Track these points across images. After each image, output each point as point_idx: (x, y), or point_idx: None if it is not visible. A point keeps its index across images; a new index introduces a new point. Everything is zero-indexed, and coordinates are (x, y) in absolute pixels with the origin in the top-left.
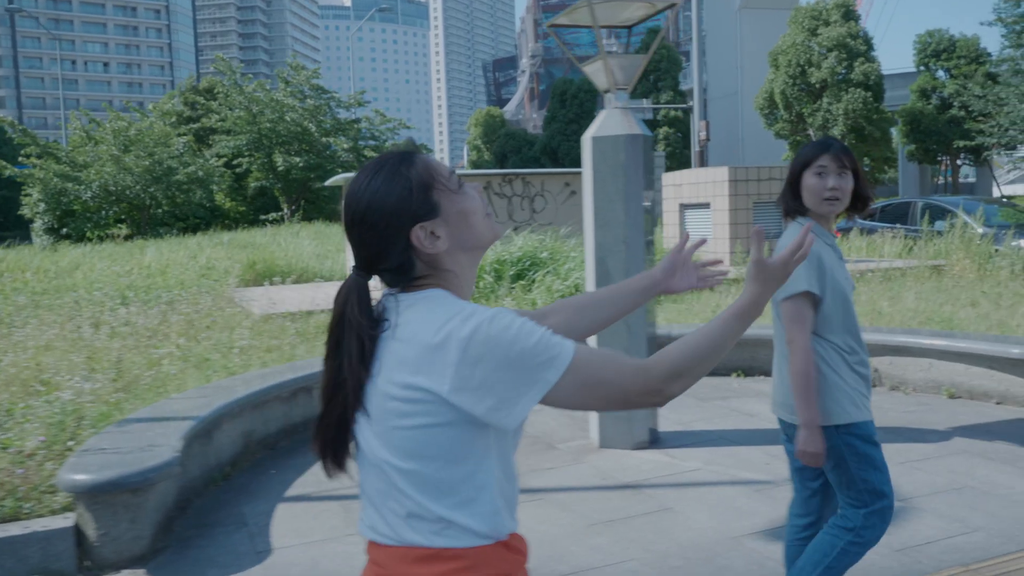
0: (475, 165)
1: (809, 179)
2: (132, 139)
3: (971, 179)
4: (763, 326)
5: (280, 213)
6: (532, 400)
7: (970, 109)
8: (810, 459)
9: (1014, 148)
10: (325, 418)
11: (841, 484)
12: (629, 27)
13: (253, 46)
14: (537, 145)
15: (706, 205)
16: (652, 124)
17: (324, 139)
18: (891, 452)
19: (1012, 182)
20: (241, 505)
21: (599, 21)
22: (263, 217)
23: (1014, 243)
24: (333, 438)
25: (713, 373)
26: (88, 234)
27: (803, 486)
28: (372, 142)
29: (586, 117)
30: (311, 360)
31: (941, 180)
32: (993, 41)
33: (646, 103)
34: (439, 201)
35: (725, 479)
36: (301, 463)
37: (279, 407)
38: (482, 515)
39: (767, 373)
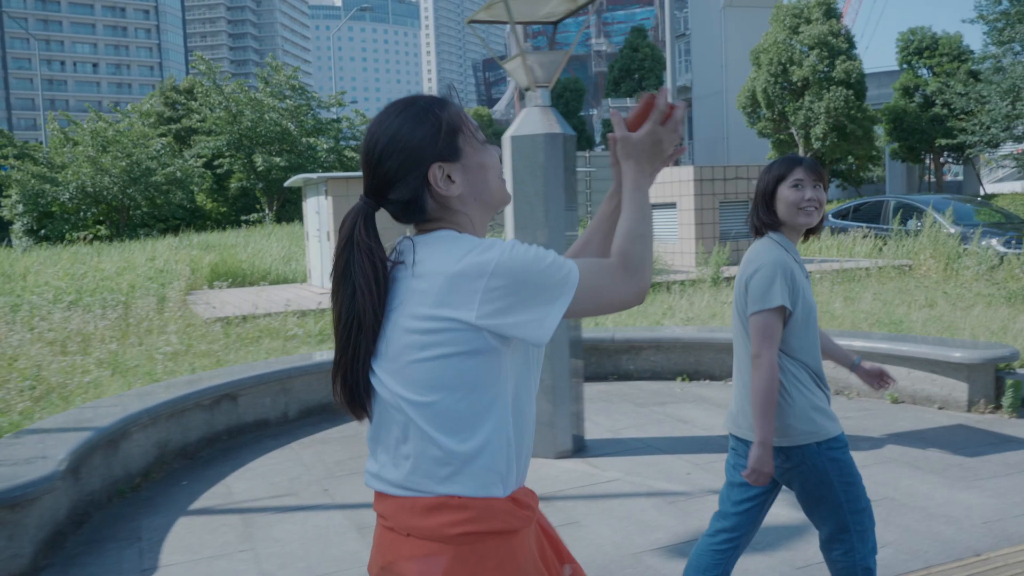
0: None
1: (785, 191)
2: (110, 140)
3: (960, 177)
4: (709, 328)
5: (261, 214)
6: (559, 314)
7: (952, 107)
8: (761, 479)
9: (997, 146)
10: (342, 359)
11: (824, 508)
12: (554, 23)
13: (243, 46)
14: None
15: (672, 205)
16: None
17: (305, 139)
18: None
19: (1000, 180)
20: (140, 519)
21: (517, 17)
22: (244, 218)
23: (984, 243)
24: (355, 381)
25: (657, 377)
26: (67, 236)
27: (732, 504)
28: (353, 142)
29: (570, 116)
30: (240, 366)
31: (931, 178)
32: (976, 39)
33: (629, 102)
34: (463, 147)
35: (641, 490)
36: (217, 473)
37: (200, 415)
38: (493, 459)
39: (713, 377)
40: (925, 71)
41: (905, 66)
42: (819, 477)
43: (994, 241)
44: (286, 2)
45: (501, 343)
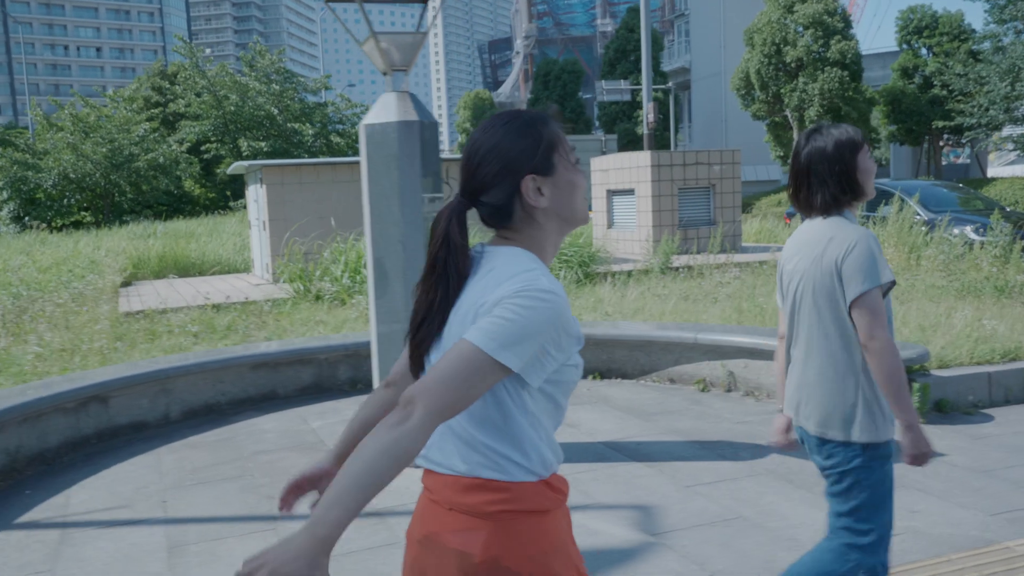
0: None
1: (865, 161)
2: (92, 126)
3: (969, 161)
4: (620, 324)
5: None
6: (561, 360)
7: (951, 88)
8: (922, 459)
9: (996, 128)
10: (417, 335)
11: (865, 507)
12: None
13: (248, 29)
14: None
15: (631, 191)
16: (633, 105)
17: (290, 124)
18: (689, 471)
19: (1012, 163)
20: None
21: None
22: (231, 204)
23: (956, 230)
24: (419, 345)
25: None
26: (53, 222)
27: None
28: (340, 126)
29: (570, 99)
30: (114, 367)
31: (930, 162)
32: (978, 17)
33: (624, 84)
34: (556, 165)
35: None
36: (66, 481)
37: (62, 419)
38: (527, 453)
39: (625, 375)
40: (925, 51)
41: (905, 46)
42: (878, 479)
43: (968, 228)
44: None
45: None
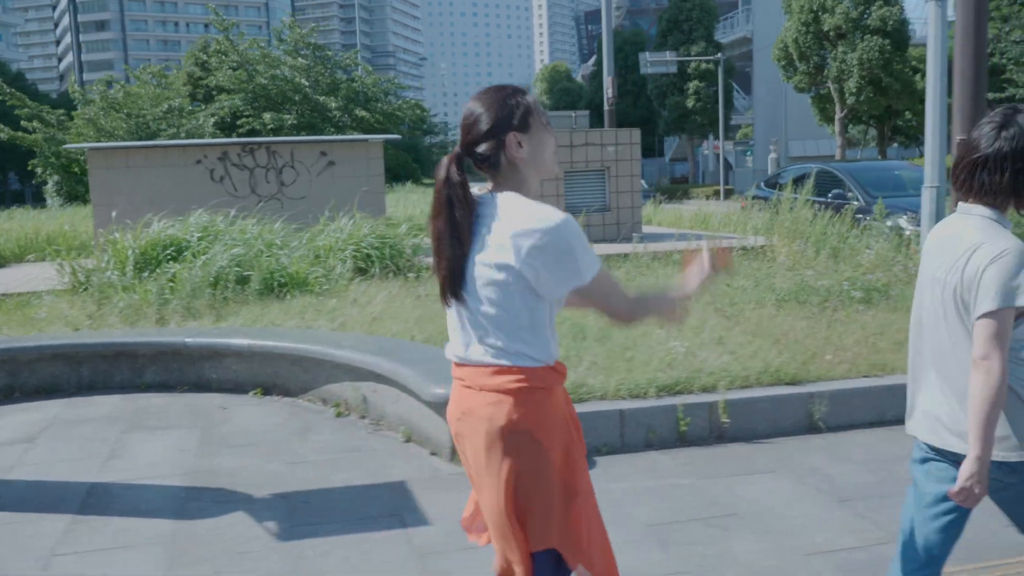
0: None
1: None
2: (120, 102)
3: None
4: (282, 334)
5: None
6: (567, 288)
7: (1008, 57)
8: (972, 500)
9: None
10: (444, 261)
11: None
12: None
13: (350, 3)
14: (582, 100)
15: None
16: (682, 77)
17: (317, 97)
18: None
19: None
20: None
21: None
22: None
23: (888, 222)
24: (454, 276)
25: (239, 389)
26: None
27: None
28: (370, 102)
29: (631, 71)
30: None
31: None
32: None
33: (669, 55)
34: (532, 125)
35: None
36: None
37: None
38: (537, 347)
39: (288, 392)
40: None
41: None
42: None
43: (903, 219)
44: None
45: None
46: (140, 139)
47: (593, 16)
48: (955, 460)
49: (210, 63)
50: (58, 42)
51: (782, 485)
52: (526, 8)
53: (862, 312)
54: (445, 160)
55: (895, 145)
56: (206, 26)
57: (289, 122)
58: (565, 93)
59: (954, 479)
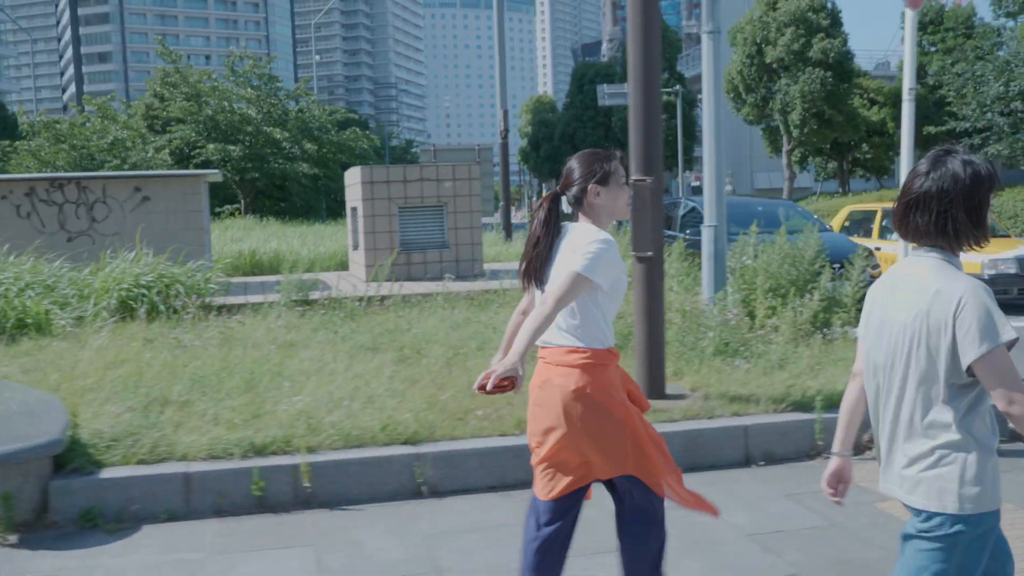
0: (524, 153)
1: (989, 200)
2: (66, 133)
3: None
4: None
5: (235, 206)
6: (611, 278)
7: (950, 89)
8: None
9: (999, 136)
10: (529, 261)
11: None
12: None
13: (355, 36)
14: (556, 132)
15: (355, 209)
16: None
17: (266, 129)
18: None
19: None
20: None
21: None
22: (218, 209)
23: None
24: (539, 276)
25: None
26: None
27: None
28: (319, 132)
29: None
30: None
31: None
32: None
33: (626, 87)
34: (610, 182)
35: None
36: None
37: None
38: (598, 331)
39: None
40: (935, 48)
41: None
42: (975, 553)
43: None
44: None
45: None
46: (84, 171)
47: (589, 48)
48: (929, 516)
49: (164, 94)
50: (62, 73)
51: (291, 565)
52: (530, 41)
53: None
54: (545, 198)
55: (858, 177)
56: (207, 58)
57: (235, 153)
58: (544, 124)
59: (915, 534)
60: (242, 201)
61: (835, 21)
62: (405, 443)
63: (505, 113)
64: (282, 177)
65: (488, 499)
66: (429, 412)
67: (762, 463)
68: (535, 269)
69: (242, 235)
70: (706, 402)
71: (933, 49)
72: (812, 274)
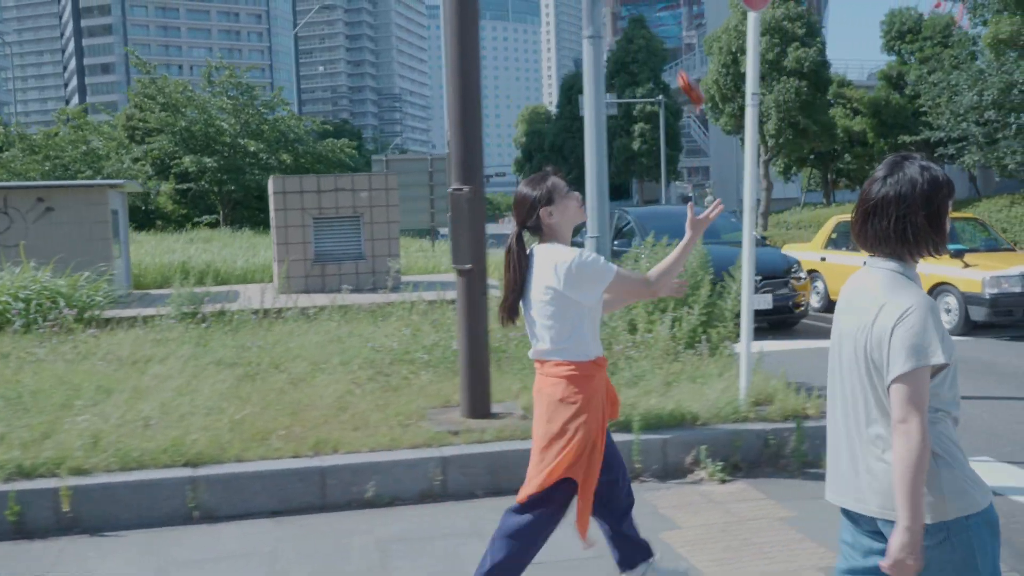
0: (518, 163)
1: (948, 207)
2: (40, 144)
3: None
4: None
5: (214, 216)
6: (600, 290)
7: (926, 98)
8: (906, 572)
9: (976, 146)
10: (506, 299)
11: None
12: None
13: (359, 47)
14: (547, 140)
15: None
16: (628, 119)
17: (242, 140)
18: None
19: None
20: None
21: None
22: (197, 220)
23: None
24: (509, 308)
25: None
26: None
27: None
28: (297, 144)
29: None
30: None
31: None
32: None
33: (609, 97)
34: (555, 198)
35: None
36: None
37: None
38: (581, 345)
39: None
40: (914, 57)
41: (894, 53)
42: (962, 557)
43: None
44: (401, 3)
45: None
46: (59, 180)
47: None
48: (874, 530)
49: (142, 103)
50: (66, 84)
51: None
52: (535, 52)
53: (414, 378)
54: (511, 235)
55: (842, 187)
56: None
57: (210, 165)
58: (536, 135)
59: (882, 552)
60: (220, 212)
61: (811, 31)
62: (185, 465)
63: (450, 123)
64: (259, 188)
65: (263, 525)
66: (230, 432)
67: None
68: (511, 304)
69: (190, 247)
70: (524, 421)
71: (912, 59)
72: (692, 287)
